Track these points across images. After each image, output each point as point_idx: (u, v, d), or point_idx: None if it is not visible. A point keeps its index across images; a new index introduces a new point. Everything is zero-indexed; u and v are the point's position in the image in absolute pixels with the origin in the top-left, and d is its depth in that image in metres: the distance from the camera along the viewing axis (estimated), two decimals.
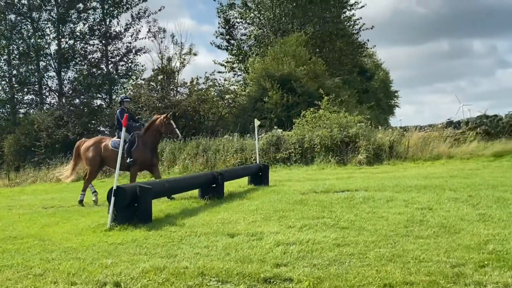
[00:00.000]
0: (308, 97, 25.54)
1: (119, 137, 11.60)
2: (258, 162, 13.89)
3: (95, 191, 11.80)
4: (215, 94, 27.68)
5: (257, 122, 14.25)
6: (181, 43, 30.07)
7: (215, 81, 28.22)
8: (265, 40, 35.49)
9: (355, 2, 37.12)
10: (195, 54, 30.08)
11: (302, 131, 20.59)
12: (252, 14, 36.13)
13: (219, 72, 33.41)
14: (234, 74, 37.89)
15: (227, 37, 37.79)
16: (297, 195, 9.82)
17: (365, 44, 39.44)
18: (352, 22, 38.19)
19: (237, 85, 35.79)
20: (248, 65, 34.23)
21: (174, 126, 11.63)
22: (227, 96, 28.56)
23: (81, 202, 11.40)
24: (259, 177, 12.54)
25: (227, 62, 37.70)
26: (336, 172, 16.40)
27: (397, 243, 5.52)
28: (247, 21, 36.83)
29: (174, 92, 27.87)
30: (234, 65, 37.93)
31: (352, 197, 8.88)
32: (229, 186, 11.38)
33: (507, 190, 9.15)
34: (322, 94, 22.71)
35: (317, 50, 34.64)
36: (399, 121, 54.60)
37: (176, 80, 28.54)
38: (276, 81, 25.67)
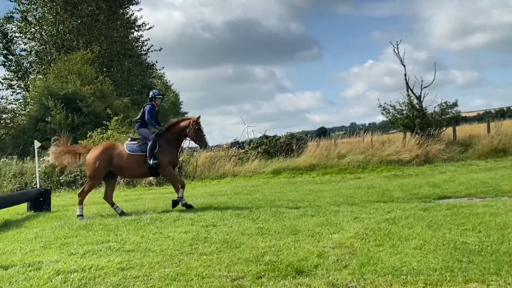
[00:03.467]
0: (95, 117, 24.75)
1: (138, 131, 10.47)
2: (39, 186, 12.92)
3: (81, 215, 9.93)
4: None
5: (37, 144, 13.24)
6: None
7: None
8: (47, 57, 33.49)
9: (143, 23, 37.30)
10: None
11: None
12: (33, 29, 33.81)
13: None
14: (13, 92, 34.96)
15: (5, 52, 34.76)
16: (81, 220, 9.36)
17: (154, 65, 39.83)
18: (140, 43, 38.27)
19: (16, 104, 33.08)
20: (29, 82, 31.87)
21: (204, 133, 10.45)
22: (4, 116, 26.12)
23: (81, 216, 9.83)
24: (40, 202, 11.65)
25: (4, 79, 34.63)
26: (125, 194, 16.08)
27: (182, 261, 5.59)
28: (27, 36, 34.34)
29: None
30: (13, 82, 34.99)
31: (139, 218, 8.76)
32: (5, 214, 10.35)
33: (283, 204, 9.97)
34: (110, 114, 22.23)
35: (105, 69, 33.88)
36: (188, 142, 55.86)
37: None
38: (60, 100, 24.34)
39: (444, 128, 21.46)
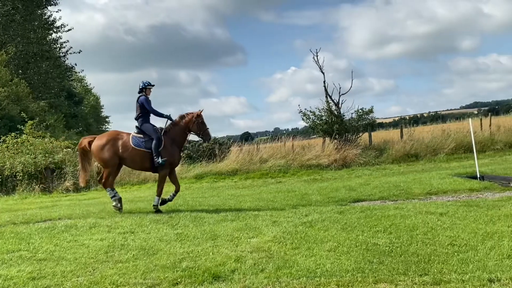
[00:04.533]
0: (9, 121, 23.59)
1: (142, 129, 10.12)
2: None
3: (114, 196, 10.11)
4: None
5: None
6: None
7: None
8: None
9: (62, 24, 35.98)
10: None
11: (2, 158, 18.76)
12: None
13: None
14: None
15: None
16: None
17: (73, 68, 38.49)
18: (59, 45, 36.88)
19: None
20: None
21: (207, 127, 10.42)
22: None
23: (118, 207, 10.02)
24: None
25: None
26: (40, 201, 15.39)
27: (96, 269, 5.44)
28: None
29: None
30: None
31: (54, 226, 8.42)
32: None
33: (204, 209, 9.94)
34: (25, 118, 21.30)
35: (21, 71, 32.38)
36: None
37: None
38: None
39: (360, 134, 22.26)
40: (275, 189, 13.93)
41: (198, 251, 6.13)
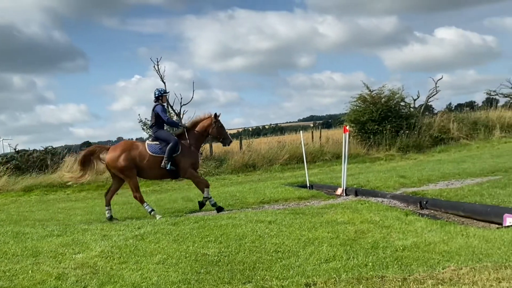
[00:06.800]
0: None
1: (156, 136, 9.96)
2: None
3: (152, 210, 9.82)
4: None
5: None
6: None
7: None
8: None
9: None
10: None
11: None
12: None
13: None
14: None
15: None
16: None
17: None
18: None
19: None
20: None
21: (226, 130, 10.40)
22: None
23: (153, 212, 9.71)
24: None
25: None
26: None
27: None
28: None
29: None
30: None
31: None
32: None
33: (29, 224, 9.22)
34: None
35: None
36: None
37: None
38: None
39: (203, 144, 22.47)
40: (111, 201, 13.42)
41: (16, 270, 5.62)
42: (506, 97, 31.09)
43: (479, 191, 9.06)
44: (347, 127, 12.45)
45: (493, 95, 31.46)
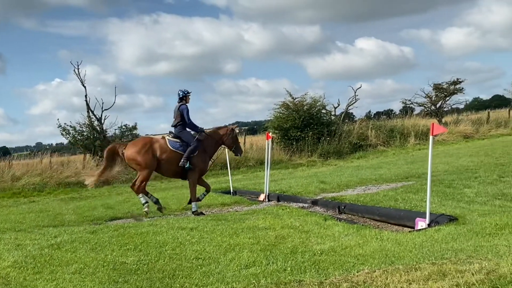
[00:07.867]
0: None
1: (179, 136, 10.18)
2: None
3: (146, 202, 10.07)
4: None
5: None
6: None
7: None
8: None
9: None
10: None
11: None
12: None
13: None
14: None
15: None
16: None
17: None
18: None
19: None
20: None
21: (239, 142, 11.04)
22: None
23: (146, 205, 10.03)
24: None
25: None
26: None
27: None
28: None
29: None
30: None
31: None
32: None
33: None
34: None
35: None
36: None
37: None
38: None
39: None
40: (27, 209, 12.91)
41: None
42: (420, 106, 32.80)
43: (394, 196, 9.48)
44: (270, 134, 12.66)
45: (408, 104, 33.12)
